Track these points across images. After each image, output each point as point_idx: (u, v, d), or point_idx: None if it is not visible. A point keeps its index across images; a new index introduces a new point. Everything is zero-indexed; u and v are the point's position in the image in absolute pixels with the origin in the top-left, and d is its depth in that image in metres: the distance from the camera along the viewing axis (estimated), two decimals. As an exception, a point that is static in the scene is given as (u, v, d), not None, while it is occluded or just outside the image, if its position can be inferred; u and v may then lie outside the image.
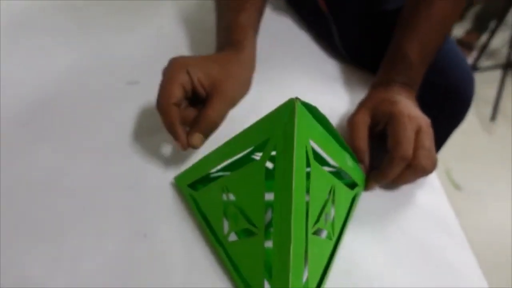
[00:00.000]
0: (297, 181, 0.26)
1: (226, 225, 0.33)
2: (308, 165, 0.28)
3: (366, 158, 0.40)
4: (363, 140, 0.40)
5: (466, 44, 1.86)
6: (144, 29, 0.59)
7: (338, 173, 0.38)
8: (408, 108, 0.41)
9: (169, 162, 0.41)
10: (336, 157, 0.32)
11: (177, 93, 0.38)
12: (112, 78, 0.51)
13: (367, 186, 0.40)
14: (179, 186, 0.38)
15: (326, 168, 0.35)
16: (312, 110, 0.28)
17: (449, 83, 0.54)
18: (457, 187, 1.29)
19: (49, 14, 0.60)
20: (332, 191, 0.32)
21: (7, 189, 0.38)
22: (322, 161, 0.34)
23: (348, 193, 0.36)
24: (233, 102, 0.41)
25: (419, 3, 0.47)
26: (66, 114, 0.46)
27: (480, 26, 1.86)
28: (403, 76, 0.45)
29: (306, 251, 0.29)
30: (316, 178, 0.28)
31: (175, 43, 0.57)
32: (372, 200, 0.40)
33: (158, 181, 0.39)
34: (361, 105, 0.44)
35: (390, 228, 0.38)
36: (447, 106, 0.56)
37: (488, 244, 1.11)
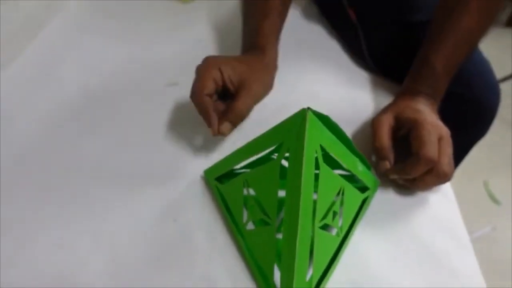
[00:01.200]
0: (306, 179, 0.29)
1: (245, 216, 0.37)
2: (317, 167, 0.31)
3: (390, 155, 0.42)
4: (386, 138, 0.43)
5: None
6: (183, 35, 0.64)
7: (351, 177, 0.41)
8: (431, 117, 0.43)
9: (200, 157, 0.46)
10: (347, 161, 0.36)
11: (210, 86, 0.44)
12: (154, 79, 0.56)
13: (387, 173, 0.42)
14: (207, 179, 0.43)
15: (339, 172, 0.39)
16: (324, 119, 0.31)
17: (473, 94, 0.55)
18: (495, 201, 1.25)
19: (100, 17, 0.67)
20: (341, 192, 0.35)
21: (57, 176, 0.44)
22: (336, 165, 0.38)
23: (358, 196, 0.39)
24: (257, 98, 0.48)
25: (448, 17, 0.48)
26: (111, 111, 0.52)
27: None
28: (428, 88, 0.47)
29: (313, 244, 0.33)
30: (325, 179, 0.32)
31: (210, 48, 0.62)
32: (384, 203, 0.43)
33: (190, 173, 0.44)
34: (386, 109, 0.47)
35: (399, 232, 0.40)
36: (470, 117, 0.57)
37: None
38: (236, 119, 0.44)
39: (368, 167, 0.41)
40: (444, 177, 0.40)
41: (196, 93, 0.44)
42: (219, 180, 0.41)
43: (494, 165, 1.33)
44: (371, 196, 0.42)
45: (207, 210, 0.41)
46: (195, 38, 0.64)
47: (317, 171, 0.32)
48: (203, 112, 0.43)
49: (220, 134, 0.43)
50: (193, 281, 0.36)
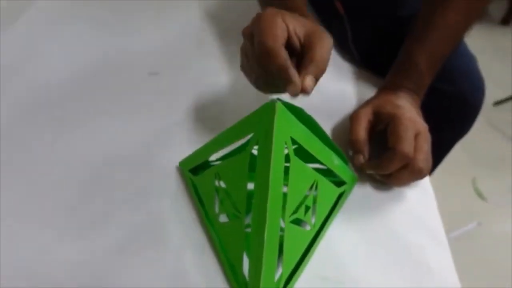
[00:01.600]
0: (274, 172, 0.29)
1: (217, 208, 0.37)
2: (288, 160, 0.31)
3: (365, 148, 0.42)
4: (362, 132, 0.42)
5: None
6: (165, 25, 0.63)
7: (327, 171, 0.40)
8: (410, 113, 0.43)
9: (178, 148, 0.45)
10: (321, 155, 0.35)
11: (282, 35, 0.35)
12: (135, 68, 0.55)
13: (363, 168, 0.42)
14: (182, 170, 0.42)
15: (316, 166, 0.38)
16: (296, 111, 0.31)
17: (457, 90, 0.55)
18: (482, 197, 1.26)
19: (82, 5, 0.66)
20: (314, 186, 0.35)
21: (31, 164, 0.43)
22: (311, 159, 0.37)
23: (333, 190, 0.38)
24: (330, 51, 0.38)
25: (432, 12, 0.48)
26: (90, 99, 0.51)
27: None
28: (411, 82, 0.47)
29: (283, 238, 0.32)
30: (296, 172, 0.31)
31: (192, 38, 0.61)
32: (361, 198, 0.42)
33: (166, 164, 0.43)
34: (366, 103, 0.46)
35: (375, 228, 0.40)
36: (454, 113, 0.56)
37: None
38: (318, 72, 0.35)
39: (346, 162, 0.40)
40: (419, 173, 0.40)
41: (269, 46, 0.34)
42: (195, 172, 0.41)
43: (482, 162, 1.34)
44: (348, 190, 0.41)
45: (181, 202, 0.40)
46: (177, 28, 0.63)
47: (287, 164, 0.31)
48: (283, 66, 0.34)
49: (304, 92, 0.34)
50: (163, 273, 0.35)
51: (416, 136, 0.40)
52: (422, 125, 0.42)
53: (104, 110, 0.50)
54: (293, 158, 0.31)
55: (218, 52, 0.59)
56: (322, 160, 0.35)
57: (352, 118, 0.44)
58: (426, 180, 0.45)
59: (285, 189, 0.32)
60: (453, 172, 1.24)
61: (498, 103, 1.48)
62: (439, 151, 0.57)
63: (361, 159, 0.42)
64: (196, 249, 0.37)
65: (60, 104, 0.50)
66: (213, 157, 0.40)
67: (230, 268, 0.34)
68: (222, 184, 0.35)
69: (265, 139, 0.29)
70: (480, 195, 1.25)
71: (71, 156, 0.44)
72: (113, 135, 0.46)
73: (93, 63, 0.56)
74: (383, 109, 0.43)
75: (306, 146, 0.32)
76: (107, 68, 0.55)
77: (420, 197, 0.44)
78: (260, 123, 0.30)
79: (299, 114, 0.31)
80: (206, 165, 0.40)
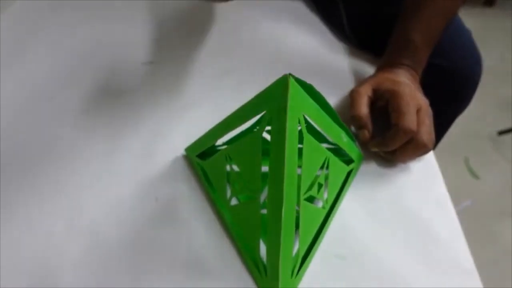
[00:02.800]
0: (289, 150, 0.29)
1: (229, 192, 0.36)
2: (301, 139, 0.30)
3: (369, 122, 0.42)
4: (363, 107, 0.42)
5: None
6: (159, 14, 0.62)
7: (336, 150, 0.40)
8: (410, 88, 0.43)
9: (181, 135, 0.45)
10: (331, 132, 0.35)
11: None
12: (129, 57, 0.54)
13: (368, 145, 0.42)
14: (189, 156, 0.42)
15: (324, 145, 0.38)
16: (307, 87, 0.30)
17: (455, 65, 0.55)
18: (475, 176, 1.28)
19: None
20: (326, 164, 0.35)
21: (32, 157, 0.42)
22: (320, 138, 0.37)
23: (343, 168, 0.38)
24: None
25: None
26: (87, 89, 0.50)
27: None
28: (408, 59, 0.47)
29: (298, 216, 0.32)
30: (309, 149, 0.31)
31: (186, 27, 0.60)
32: (369, 176, 0.42)
33: (171, 152, 0.43)
34: (365, 81, 0.46)
35: (385, 204, 0.40)
36: (452, 88, 0.57)
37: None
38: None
39: (353, 140, 0.40)
40: (423, 148, 0.40)
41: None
42: (201, 157, 0.40)
43: (475, 141, 1.36)
44: (356, 168, 0.41)
45: (189, 188, 0.40)
46: (172, 17, 0.62)
47: (300, 146, 0.31)
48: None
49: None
50: (177, 260, 0.35)
51: (418, 111, 0.41)
52: (423, 100, 0.42)
53: (101, 103, 0.48)
54: (306, 135, 0.30)
55: (212, 38, 0.58)
56: (332, 138, 0.35)
57: (352, 95, 0.44)
58: (431, 154, 0.45)
59: (298, 171, 0.31)
60: (446, 151, 1.27)
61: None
62: (440, 127, 0.57)
63: (366, 133, 0.42)
64: (209, 233, 0.36)
65: (54, 96, 0.49)
66: (219, 142, 0.39)
67: (246, 249, 0.34)
68: (234, 167, 0.34)
69: (278, 116, 0.28)
70: (473, 174, 1.27)
71: (69, 149, 0.43)
72: (113, 127, 0.46)
73: (86, 54, 0.55)
74: (382, 86, 0.43)
75: (317, 123, 0.32)
76: (101, 58, 0.54)
77: (425, 171, 0.44)
78: (272, 99, 0.29)
79: (310, 91, 0.31)
80: (212, 150, 0.40)
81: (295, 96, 0.29)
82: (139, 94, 0.50)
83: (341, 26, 0.59)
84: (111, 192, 0.39)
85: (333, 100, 0.50)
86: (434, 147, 0.44)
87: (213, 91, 0.51)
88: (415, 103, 0.41)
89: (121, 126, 0.46)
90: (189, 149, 0.42)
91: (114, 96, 0.49)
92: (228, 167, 0.35)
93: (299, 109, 0.29)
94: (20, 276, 0.33)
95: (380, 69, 0.48)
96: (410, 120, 0.39)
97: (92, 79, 0.51)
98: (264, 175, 0.32)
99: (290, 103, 0.28)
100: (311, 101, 0.31)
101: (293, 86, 0.28)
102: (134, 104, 0.48)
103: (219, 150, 0.38)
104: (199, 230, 0.37)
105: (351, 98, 0.44)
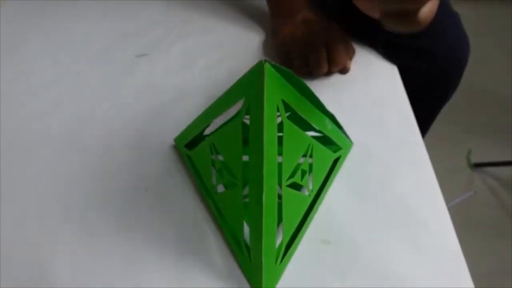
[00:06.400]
0: (268, 136, 0.29)
1: (214, 180, 0.37)
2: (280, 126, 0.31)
3: None
4: None
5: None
6: (153, 6, 0.62)
7: (324, 138, 0.40)
8: None
9: (172, 125, 0.45)
10: (313, 119, 0.35)
11: None
12: (123, 49, 0.55)
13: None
14: (178, 146, 0.42)
15: (311, 133, 0.38)
16: (286, 73, 0.30)
17: (439, 47, 0.53)
18: (472, 168, 1.27)
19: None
20: (310, 151, 0.35)
21: (28, 147, 0.43)
22: (305, 126, 0.37)
23: (329, 155, 0.38)
24: None
25: None
26: (80, 81, 0.51)
27: None
28: None
29: (282, 203, 0.32)
30: (289, 136, 0.31)
31: (179, 19, 0.60)
32: (358, 163, 0.42)
33: (161, 142, 0.43)
34: None
35: (373, 190, 0.40)
36: (440, 71, 0.55)
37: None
38: None
39: (339, 127, 0.40)
40: None
41: None
42: (189, 147, 0.41)
43: (478, 132, 1.35)
44: (344, 156, 0.41)
45: (179, 178, 0.40)
46: (166, 9, 0.62)
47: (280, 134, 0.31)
48: None
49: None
50: (165, 248, 0.35)
51: None
52: None
53: (94, 93, 0.49)
54: (286, 121, 0.31)
55: (205, 29, 0.59)
56: (314, 124, 0.35)
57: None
58: (420, 142, 0.45)
59: (280, 159, 0.32)
60: (448, 143, 1.26)
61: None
62: (430, 112, 0.56)
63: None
64: (197, 222, 0.37)
65: (47, 87, 0.50)
66: (208, 131, 0.40)
67: (231, 237, 0.35)
68: (218, 155, 0.35)
69: (256, 102, 0.29)
70: (471, 166, 1.26)
71: (66, 138, 0.44)
72: (104, 117, 0.46)
73: (80, 45, 0.56)
74: None
75: (297, 109, 0.32)
76: (94, 49, 0.55)
77: (414, 158, 0.44)
78: (249, 86, 0.29)
79: (289, 77, 0.31)
80: (201, 139, 0.40)
81: (272, 82, 0.29)
82: (132, 85, 0.50)
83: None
84: (102, 182, 0.40)
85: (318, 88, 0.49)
86: (423, 135, 0.44)
87: (206, 81, 0.51)
88: None
89: (113, 115, 0.47)
90: (178, 139, 0.42)
91: (107, 86, 0.50)
92: (213, 156, 0.36)
93: (277, 96, 0.30)
94: (14, 263, 0.34)
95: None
96: None
97: (84, 70, 0.52)
98: (247, 163, 0.32)
99: (266, 90, 0.28)
100: (289, 87, 0.31)
101: (269, 73, 0.28)
102: (126, 95, 0.49)
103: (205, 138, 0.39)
104: (187, 219, 0.37)
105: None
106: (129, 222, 0.37)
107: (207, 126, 0.37)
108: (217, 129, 0.37)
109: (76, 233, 0.36)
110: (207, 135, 0.39)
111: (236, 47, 0.56)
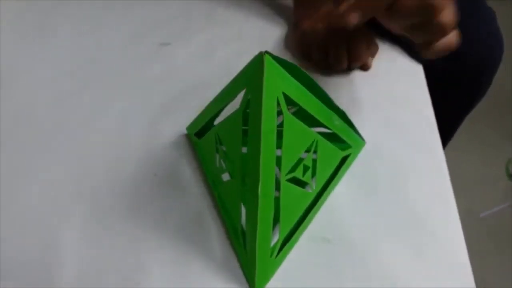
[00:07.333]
0: (266, 127, 0.29)
1: (219, 169, 0.37)
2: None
3: None
4: None
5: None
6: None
7: (333, 135, 0.39)
8: None
9: (187, 113, 0.46)
10: (319, 114, 0.34)
11: None
12: (147, 38, 0.57)
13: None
14: (189, 134, 0.43)
15: (318, 129, 0.37)
16: (289, 66, 0.30)
17: (470, 46, 0.50)
18: (510, 178, 1.20)
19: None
20: (314, 147, 0.34)
21: (46, 130, 0.46)
22: (313, 122, 0.36)
23: (336, 152, 0.38)
24: None
25: None
26: (102, 68, 0.53)
27: None
28: None
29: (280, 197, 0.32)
30: (291, 129, 0.31)
31: (203, 8, 0.61)
32: (370, 163, 0.41)
33: (175, 130, 0.44)
34: None
35: (382, 192, 0.39)
36: (465, 73, 0.52)
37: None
38: None
39: (351, 124, 0.39)
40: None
41: None
42: (199, 136, 0.41)
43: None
44: (354, 154, 0.40)
45: (188, 166, 0.41)
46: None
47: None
48: None
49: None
50: (168, 232, 0.36)
51: None
52: None
53: (115, 81, 0.51)
54: (287, 114, 0.30)
55: (227, 21, 0.59)
56: (320, 119, 0.34)
57: None
58: (439, 148, 0.43)
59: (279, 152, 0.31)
60: (487, 153, 1.19)
61: None
62: (455, 116, 0.53)
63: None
64: (201, 210, 0.37)
65: (71, 75, 0.52)
66: (217, 122, 0.40)
67: (230, 227, 0.35)
68: (222, 145, 0.35)
69: (255, 95, 0.29)
70: (510, 176, 1.19)
71: (84, 122, 0.46)
72: (123, 104, 0.48)
73: (104, 34, 0.58)
74: None
75: (301, 103, 0.32)
76: (119, 38, 0.57)
77: (431, 166, 0.41)
78: (250, 78, 0.29)
79: (293, 70, 0.31)
80: (208, 128, 0.40)
81: (272, 74, 0.28)
82: (152, 73, 0.52)
83: None
84: (115, 163, 0.42)
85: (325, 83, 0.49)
86: (447, 142, 0.41)
87: (225, 72, 0.51)
88: None
89: (132, 103, 0.48)
90: (189, 128, 0.43)
91: (129, 73, 0.52)
92: (217, 146, 0.36)
93: (277, 88, 0.29)
94: (22, 237, 0.36)
95: None
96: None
97: (107, 58, 0.54)
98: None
99: (265, 81, 0.28)
100: (292, 80, 0.31)
101: (269, 65, 0.28)
102: (143, 82, 0.50)
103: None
104: (191, 205, 0.38)
105: None
106: (136, 205, 0.38)
107: (214, 115, 0.38)
108: (222, 120, 0.37)
109: (84, 214, 0.38)
110: (214, 125, 0.40)
111: (257, 39, 0.56)
